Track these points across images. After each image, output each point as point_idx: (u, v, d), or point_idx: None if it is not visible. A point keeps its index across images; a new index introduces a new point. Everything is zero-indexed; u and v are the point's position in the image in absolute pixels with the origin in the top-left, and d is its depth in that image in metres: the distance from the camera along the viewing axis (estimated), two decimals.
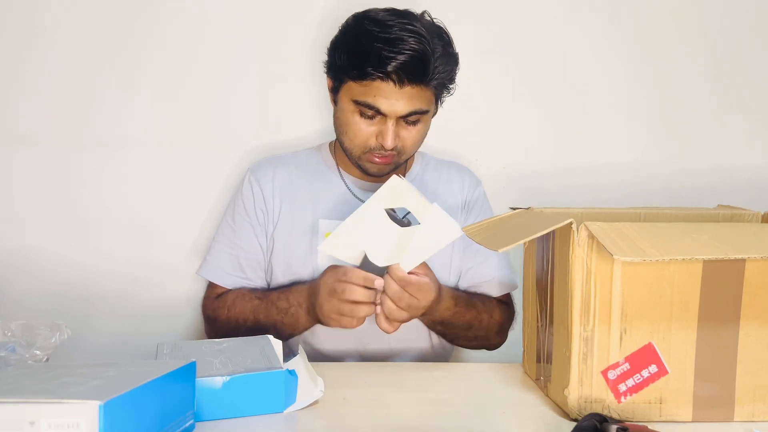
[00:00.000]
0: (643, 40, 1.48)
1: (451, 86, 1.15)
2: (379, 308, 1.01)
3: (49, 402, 0.60)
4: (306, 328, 1.14)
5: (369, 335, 1.18)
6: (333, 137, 1.24)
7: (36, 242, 1.41)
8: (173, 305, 1.42)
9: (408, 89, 1.07)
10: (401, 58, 1.04)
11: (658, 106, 1.50)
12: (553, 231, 0.83)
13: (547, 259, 0.90)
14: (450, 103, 1.46)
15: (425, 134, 1.17)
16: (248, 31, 1.41)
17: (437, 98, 1.15)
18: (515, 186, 1.48)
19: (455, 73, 1.14)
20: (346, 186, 1.23)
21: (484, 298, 1.22)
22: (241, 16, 1.41)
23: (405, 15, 1.08)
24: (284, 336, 1.14)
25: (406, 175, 1.27)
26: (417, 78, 1.07)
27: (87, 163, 1.42)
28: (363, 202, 1.20)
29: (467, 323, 1.16)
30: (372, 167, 1.16)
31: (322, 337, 1.19)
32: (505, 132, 1.49)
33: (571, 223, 0.80)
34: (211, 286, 1.24)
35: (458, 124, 1.47)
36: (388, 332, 1.03)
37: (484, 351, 1.27)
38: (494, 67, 1.47)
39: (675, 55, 1.49)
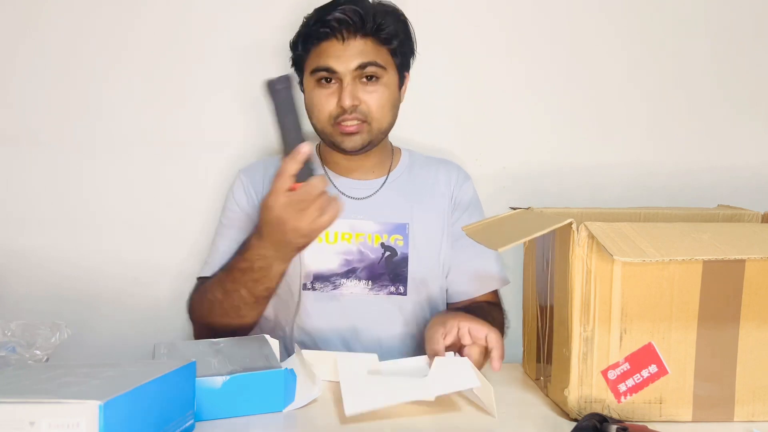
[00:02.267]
0: (645, 40, 1.48)
1: (409, 45, 1.19)
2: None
3: (49, 402, 0.60)
4: (280, 273, 1.04)
5: (359, 326, 1.19)
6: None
7: (36, 242, 1.41)
8: (173, 305, 1.42)
9: (353, 42, 1.12)
10: (338, 12, 1.11)
11: (659, 105, 1.50)
12: (553, 231, 0.83)
13: (547, 259, 0.90)
14: (450, 102, 1.47)
15: (392, 100, 1.16)
16: (243, 32, 1.41)
17: (399, 64, 1.18)
18: (515, 186, 1.48)
19: (411, 37, 1.19)
20: (334, 185, 1.23)
21: (477, 306, 1.19)
22: (238, 17, 1.41)
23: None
24: (259, 294, 1.06)
25: (391, 172, 1.26)
26: (356, 27, 1.12)
27: (86, 164, 1.41)
28: (350, 198, 1.21)
29: None
30: (345, 141, 1.14)
31: (310, 323, 1.19)
32: (505, 132, 1.49)
33: (571, 223, 0.80)
34: (197, 282, 1.21)
35: (458, 124, 1.47)
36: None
37: None
38: (494, 66, 1.47)
39: (676, 55, 1.49)
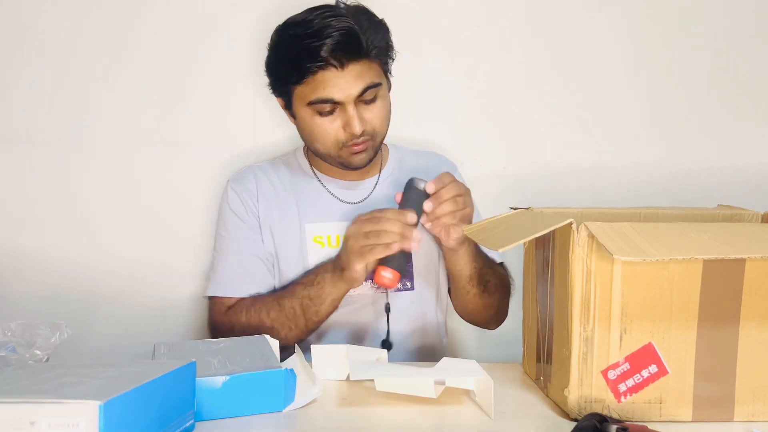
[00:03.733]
0: (645, 40, 1.48)
1: (392, 54, 1.15)
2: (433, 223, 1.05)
3: (49, 402, 0.60)
4: (334, 299, 1.11)
5: (368, 331, 1.19)
6: None
7: (36, 242, 1.41)
8: (173, 305, 1.42)
9: (351, 67, 1.07)
10: (331, 40, 1.05)
11: (659, 106, 1.50)
12: (553, 231, 0.83)
13: (547, 259, 0.90)
14: (451, 102, 1.47)
15: (389, 110, 1.16)
16: (243, 32, 1.41)
17: (384, 70, 1.15)
18: (515, 186, 1.48)
19: (391, 40, 1.15)
20: (325, 188, 1.23)
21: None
22: (238, 17, 1.41)
23: (320, 8, 1.09)
24: (311, 319, 1.12)
25: (383, 170, 1.26)
26: (354, 52, 1.07)
27: (86, 164, 1.42)
28: (342, 201, 1.21)
29: (485, 256, 1.17)
30: (354, 159, 1.14)
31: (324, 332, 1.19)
32: (505, 132, 1.49)
33: (571, 223, 0.80)
34: (217, 302, 1.20)
35: (459, 124, 1.47)
36: (450, 243, 1.07)
37: (483, 349, 1.27)
38: (495, 66, 1.47)
39: (676, 55, 1.49)
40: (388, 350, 1.13)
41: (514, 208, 1.04)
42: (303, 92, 1.10)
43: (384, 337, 1.18)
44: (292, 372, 0.84)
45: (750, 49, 1.50)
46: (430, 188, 1.04)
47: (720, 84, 1.50)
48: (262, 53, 1.40)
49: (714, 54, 1.50)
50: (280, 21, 1.14)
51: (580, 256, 0.80)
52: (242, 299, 1.18)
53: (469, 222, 1.06)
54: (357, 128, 1.09)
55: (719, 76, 1.50)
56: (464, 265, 1.14)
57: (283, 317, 1.12)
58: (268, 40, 1.15)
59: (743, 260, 0.80)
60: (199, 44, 1.41)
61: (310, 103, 1.10)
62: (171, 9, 1.40)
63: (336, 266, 1.09)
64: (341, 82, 1.07)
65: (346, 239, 1.07)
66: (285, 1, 1.24)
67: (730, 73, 1.50)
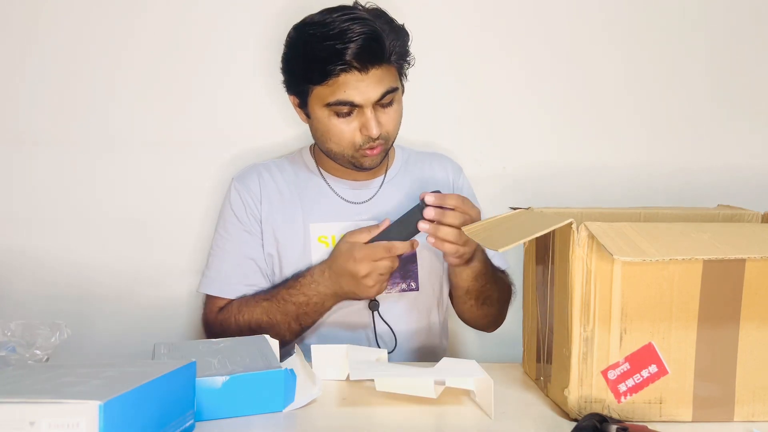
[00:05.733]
0: (645, 40, 1.48)
1: (409, 58, 1.16)
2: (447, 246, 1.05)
3: (49, 402, 0.60)
4: (328, 310, 1.15)
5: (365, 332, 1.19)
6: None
7: (36, 242, 1.41)
8: (173, 305, 1.42)
9: (373, 72, 1.08)
10: (355, 44, 1.05)
11: (658, 106, 1.50)
12: (553, 231, 0.83)
13: (547, 259, 0.90)
14: (451, 103, 1.47)
15: (402, 113, 1.17)
16: (244, 31, 1.41)
17: (400, 74, 1.16)
18: (515, 186, 1.48)
19: (408, 45, 1.15)
20: (331, 188, 1.23)
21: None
22: (238, 17, 1.41)
23: (339, 9, 1.09)
24: (307, 324, 1.16)
25: (389, 170, 1.26)
26: (377, 58, 1.07)
27: (87, 164, 1.42)
28: (348, 202, 1.21)
29: (492, 274, 1.17)
30: (366, 161, 1.15)
31: (323, 327, 1.20)
32: (505, 132, 1.49)
33: (571, 223, 0.80)
34: (211, 301, 1.21)
35: (459, 124, 1.48)
36: (457, 262, 1.08)
37: (483, 349, 1.27)
38: (495, 67, 1.47)
39: (676, 55, 1.49)
40: (376, 309, 1.17)
41: (514, 208, 1.03)
42: (322, 93, 1.09)
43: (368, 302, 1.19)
44: (292, 372, 0.84)
45: (749, 49, 1.50)
46: (429, 200, 1.03)
47: (720, 84, 1.50)
48: (267, 53, 1.41)
49: (713, 54, 1.50)
50: (285, 21, 1.14)
51: (580, 256, 0.80)
52: (232, 303, 1.19)
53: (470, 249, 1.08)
54: (374, 131, 1.10)
55: (719, 76, 1.50)
56: (463, 280, 1.15)
57: (276, 328, 1.14)
58: (285, 37, 1.14)
59: (743, 260, 0.80)
60: (203, 44, 1.41)
61: (329, 104, 1.09)
62: (175, 9, 1.40)
63: (340, 295, 1.12)
64: (362, 86, 1.07)
65: (365, 286, 1.08)
66: (290, 2, 1.24)
67: (729, 73, 1.50)
